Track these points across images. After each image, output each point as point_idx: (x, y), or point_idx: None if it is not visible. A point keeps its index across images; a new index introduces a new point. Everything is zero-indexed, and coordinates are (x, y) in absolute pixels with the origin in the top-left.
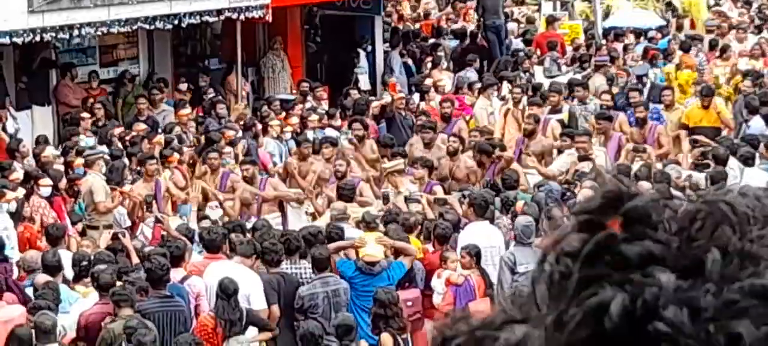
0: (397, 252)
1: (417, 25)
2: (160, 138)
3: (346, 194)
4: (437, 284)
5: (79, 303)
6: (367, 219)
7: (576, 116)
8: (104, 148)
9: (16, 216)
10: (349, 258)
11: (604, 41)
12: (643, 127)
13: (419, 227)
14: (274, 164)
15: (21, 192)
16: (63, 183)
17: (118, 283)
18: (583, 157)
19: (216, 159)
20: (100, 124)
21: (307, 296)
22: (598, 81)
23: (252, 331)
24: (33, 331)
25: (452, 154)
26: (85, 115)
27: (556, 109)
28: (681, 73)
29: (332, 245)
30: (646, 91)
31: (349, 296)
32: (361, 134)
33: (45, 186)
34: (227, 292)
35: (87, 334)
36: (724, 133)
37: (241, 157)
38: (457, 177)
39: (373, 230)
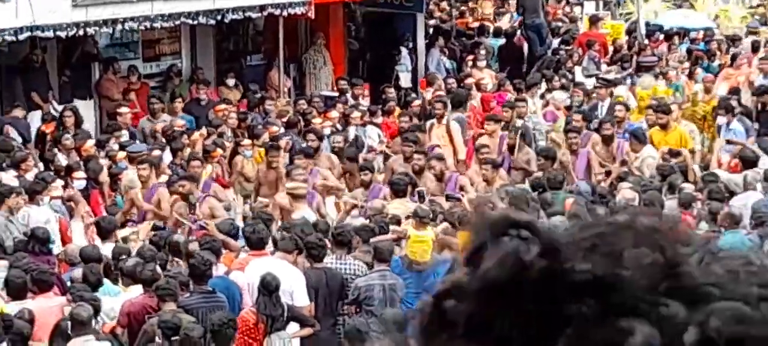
0: (442, 246)
1: (454, 23)
2: (203, 131)
3: (400, 189)
4: None
5: (122, 296)
6: (420, 213)
7: (529, 132)
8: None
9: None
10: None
11: (647, 41)
12: (609, 144)
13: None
14: None
15: (59, 183)
16: (103, 176)
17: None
18: (623, 162)
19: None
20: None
21: (364, 287)
22: (647, 81)
23: (293, 326)
24: (69, 322)
25: (418, 172)
26: (124, 109)
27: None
28: (640, 91)
29: (389, 236)
30: (605, 106)
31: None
32: (315, 146)
33: (78, 179)
34: (269, 288)
35: (129, 321)
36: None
37: (284, 154)
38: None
39: (425, 226)
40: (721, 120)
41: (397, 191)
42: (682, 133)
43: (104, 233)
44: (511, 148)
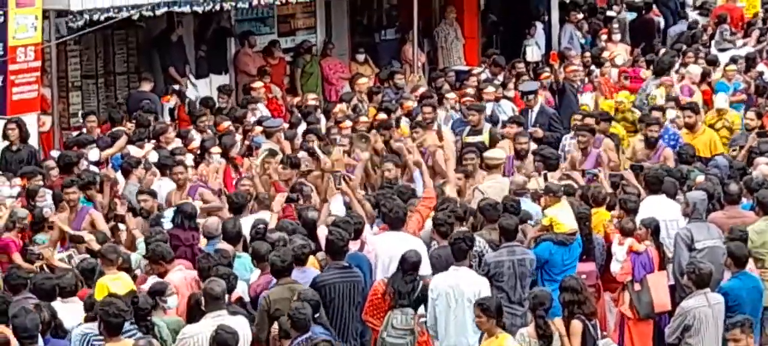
0: None
1: None
2: (343, 106)
3: (552, 163)
4: (618, 250)
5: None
6: (552, 189)
7: (498, 138)
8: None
9: None
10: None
11: None
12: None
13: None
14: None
15: (189, 158)
16: (235, 151)
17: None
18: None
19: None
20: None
21: (493, 263)
22: None
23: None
24: (202, 298)
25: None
26: (258, 84)
27: (476, 130)
28: (605, 102)
29: (531, 233)
30: (533, 115)
31: (536, 268)
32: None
33: (216, 153)
34: (404, 265)
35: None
36: None
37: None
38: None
39: (558, 199)
40: None
41: (548, 165)
42: (712, 136)
43: (237, 207)
44: (521, 156)
